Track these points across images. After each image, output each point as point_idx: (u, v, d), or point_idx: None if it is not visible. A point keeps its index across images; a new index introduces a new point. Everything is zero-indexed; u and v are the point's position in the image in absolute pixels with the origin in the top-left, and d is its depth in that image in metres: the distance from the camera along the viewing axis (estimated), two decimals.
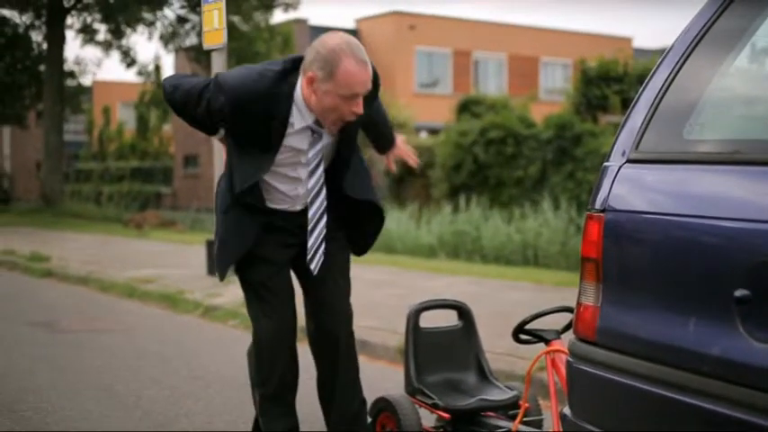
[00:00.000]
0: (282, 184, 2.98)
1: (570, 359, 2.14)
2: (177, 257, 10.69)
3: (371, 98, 2.92)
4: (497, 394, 3.21)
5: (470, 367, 3.37)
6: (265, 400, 3.14)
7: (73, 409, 4.13)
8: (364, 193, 3.09)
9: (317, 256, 2.99)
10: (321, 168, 2.94)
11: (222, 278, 3.08)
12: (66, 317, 6.87)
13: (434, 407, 3.15)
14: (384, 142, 3.41)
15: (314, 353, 3.22)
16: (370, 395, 3.62)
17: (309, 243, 2.97)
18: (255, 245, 3.01)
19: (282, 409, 3.13)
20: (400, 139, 3.49)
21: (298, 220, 3.03)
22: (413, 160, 3.44)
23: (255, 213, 3.00)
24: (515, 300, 6.58)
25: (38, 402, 4.24)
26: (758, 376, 1.69)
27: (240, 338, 6.03)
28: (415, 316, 3.34)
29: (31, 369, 4.99)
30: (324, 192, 2.96)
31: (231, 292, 7.29)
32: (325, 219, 2.97)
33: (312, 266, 2.99)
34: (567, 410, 2.14)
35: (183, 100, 2.95)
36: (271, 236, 3.03)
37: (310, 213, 2.96)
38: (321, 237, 2.98)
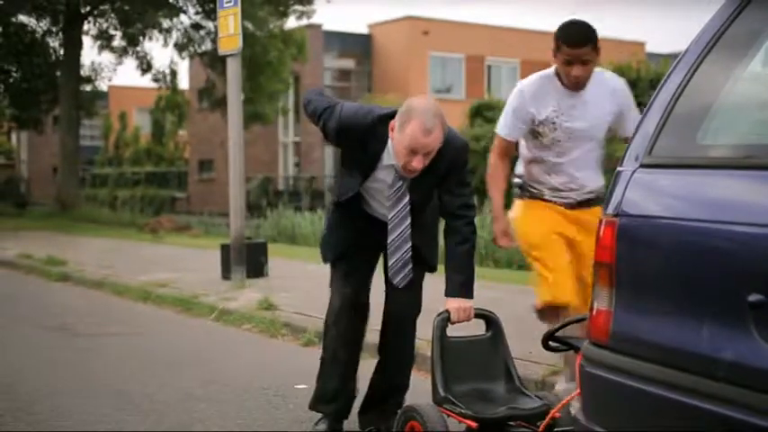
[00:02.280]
0: (375, 201, 3.56)
1: (583, 363, 2.14)
2: (192, 262, 10.73)
3: (458, 186, 3.44)
4: (527, 403, 3.16)
5: (499, 376, 3.32)
6: (323, 362, 3.71)
7: (88, 413, 4.15)
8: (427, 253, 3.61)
9: (401, 274, 3.52)
10: (404, 201, 3.44)
11: (325, 261, 3.72)
12: (82, 320, 6.91)
13: (462, 416, 3.11)
14: (453, 274, 3.41)
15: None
16: None
17: (391, 262, 3.52)
18: (351, 237, 3.63)
19: (338, 371, 3.65)
20: (465, 305, 3.36)
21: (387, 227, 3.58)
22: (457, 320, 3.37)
23: (354, 215, 3.60)
24: (530, 304, 6.56)
25: (53, 405, 4.27)
26: None
27: (254, 342, 6.05)
28: (441, 325, 3.30)
29: (46, 372, 5.03)
30: (407, 222, 3.46)
31: (245, 297, 7.32)
32: (407, 245, 3.48)
33: (395, 281, 3.54)
34: (579, 414, 2.14)
35: (310, 114, 3.58)
36: (363, 233, 3.61)
37: (390, 239, 3.48)
38: (404, 258, 3.49)
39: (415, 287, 3.60)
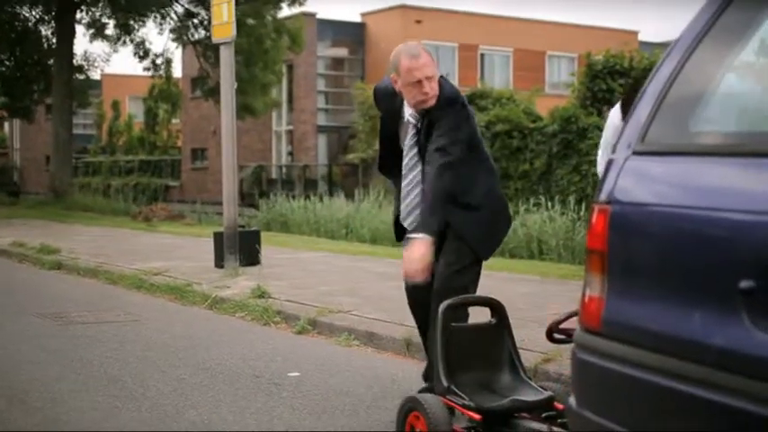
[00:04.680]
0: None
1: (575, 350, 2.16)
2: (185, 250, 10.72)
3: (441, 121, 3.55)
4: (531, 395, 3.11)
5: (504, 366, 3.26)
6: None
7: (82, 400, 4.16)
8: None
9: (410, 217, 3.71)
10: (414, 151, 3.70)
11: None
12: (75, 309, 6.91)
13: (465, 407, 3.04)
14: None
15: None
16: (377, 386, 3.64)
17: (402, 206, 3.75)
18: None
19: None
20: (415, 251, 3.32)
21: None
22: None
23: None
24: (522, 292, 6.59)
25: (47, 393, 4.28)
26: (763, 367, 1.70)
27: (247, 330, 6.06)
28: (445, 313, 3.23)
29: (40, 360, 5.03)
30: (416, 170, 3.69)
31: (239, 285, 7.32)
32: (415, 191, 3.70)
33: (406, 224, 3.74)
34: (572, 400, 2.15)
35: None
36: None
37: (403, 184, 3.75)
38: (412, 204, 3.71)
39: (450, 262, 3.60)
